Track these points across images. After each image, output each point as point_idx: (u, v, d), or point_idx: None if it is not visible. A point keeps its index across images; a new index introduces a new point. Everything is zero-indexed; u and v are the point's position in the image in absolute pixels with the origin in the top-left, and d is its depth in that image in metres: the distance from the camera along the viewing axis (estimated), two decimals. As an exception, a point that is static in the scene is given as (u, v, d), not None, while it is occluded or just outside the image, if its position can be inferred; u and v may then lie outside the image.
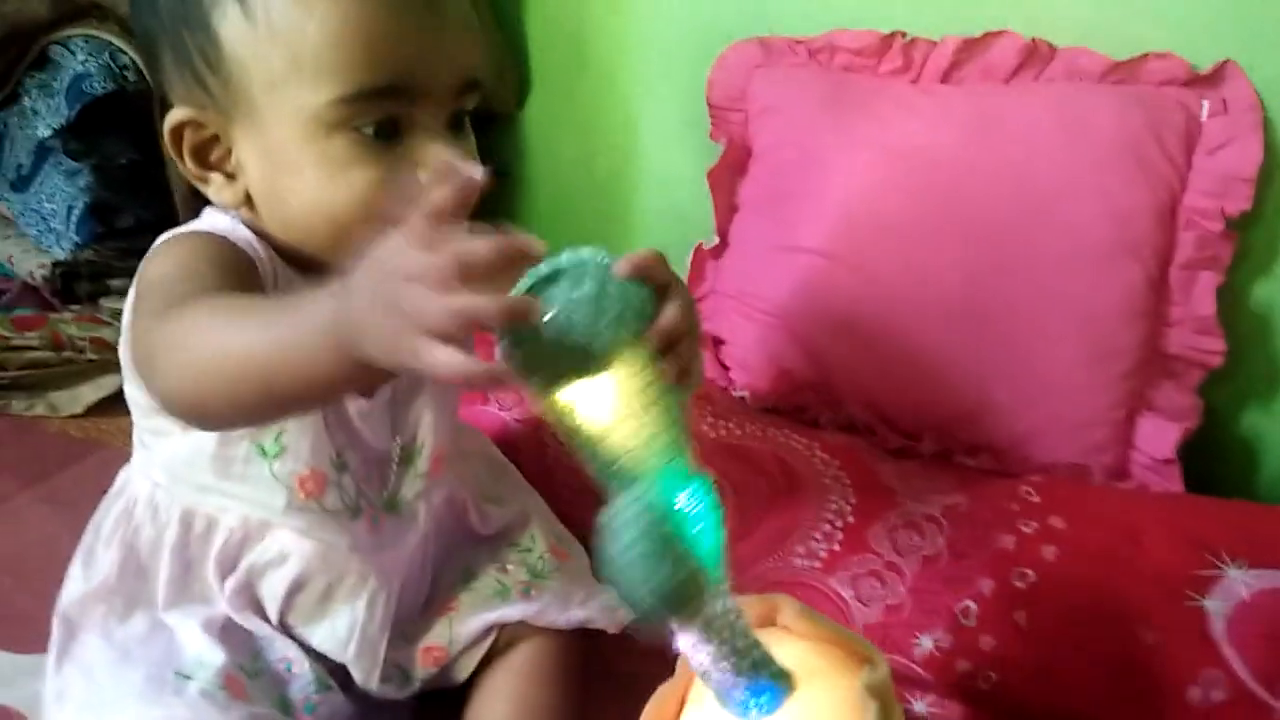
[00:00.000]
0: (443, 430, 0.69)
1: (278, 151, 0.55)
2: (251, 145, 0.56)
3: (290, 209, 0.57)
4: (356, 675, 0.66)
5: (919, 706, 0.74)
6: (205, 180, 0.58)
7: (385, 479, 0.66)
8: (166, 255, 0.57)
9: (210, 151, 0.58)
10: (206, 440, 0.60)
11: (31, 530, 0.87)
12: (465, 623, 0.69)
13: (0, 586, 0.80)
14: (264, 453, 0.61)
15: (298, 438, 0.61)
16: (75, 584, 0.65)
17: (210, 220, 0.60)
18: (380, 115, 0.54)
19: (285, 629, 0.66)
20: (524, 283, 0.44)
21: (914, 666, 0.74)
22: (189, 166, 0.58)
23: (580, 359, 0.43)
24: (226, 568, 0.64)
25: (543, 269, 0.44)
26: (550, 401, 0.44)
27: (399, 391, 0.66)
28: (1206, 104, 0.92)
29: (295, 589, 0.65)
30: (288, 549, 0.64)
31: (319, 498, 0.63)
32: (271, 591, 0.65)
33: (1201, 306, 0.92)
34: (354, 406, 0.63)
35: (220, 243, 0.57)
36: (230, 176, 0.58)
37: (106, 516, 0.66)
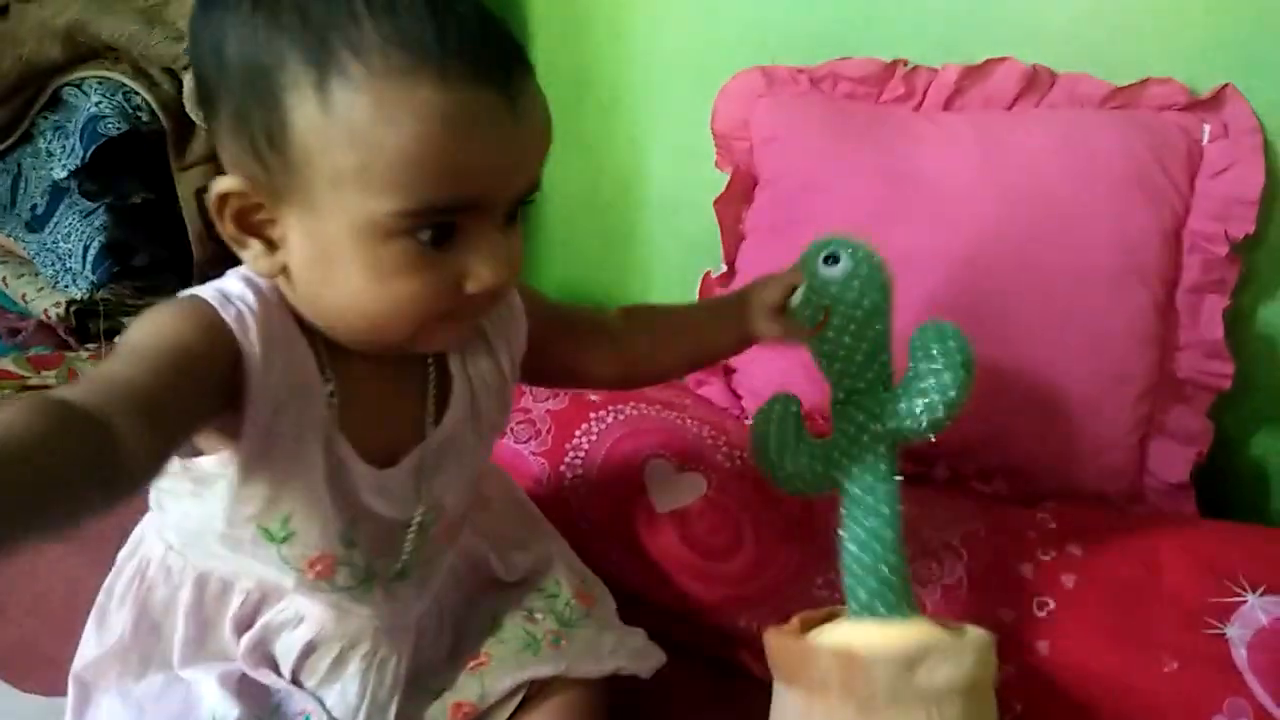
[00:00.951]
0: (463, 493, 0.67)
1: (327, 242, 0.53)
2: (300, 227, 0.53)
3: (328, 298, 0.55)
4: None
5: (943, 736, 0.75)
6: (243, 245, 0.55)
7: (399, 548, 0.64)
8: (160, 314, 0.54)
9: (253, 216, 0.54)
10: (214, 518, 0.58)
11: (53, 572, 0.87)
12: (498, 680, 0.69)
13: (25, 630, 0.80)
14: (271, 537, 0.59)
15: (306, 523, 0.59)
16: (89, 647, 0.64)
17: (220, 287, 0.56)
18: (440, 224, 0.52)
19: (297, 684, 0.66)
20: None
21: (937, 697, 0.74)
22: (229, 229, 0.54)
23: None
24: (243, 626, 0.64)
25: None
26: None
27: (428, 457, 0.63)
28: (1208, 128, 0.94)
29: (308, 651, 0.65)
30: (303, 611, 0.64)
31: (329, 578, 0.61)
32: (286, 650, 0.65)
33: (1209, 330, 0.93)
34: (373, 478, 0.60)
35: (201, 327, 0.53)
36: (270, 246, 0.55)
37: (119, 577, 0.66)
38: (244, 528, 0.58)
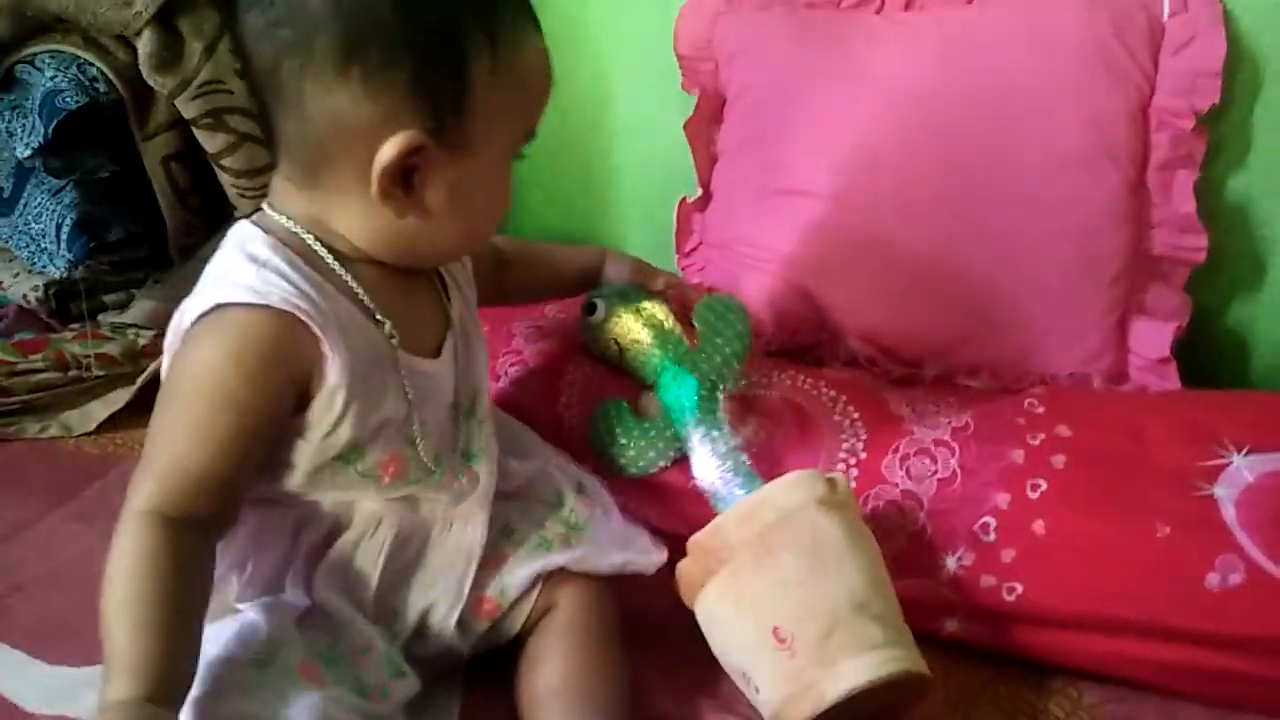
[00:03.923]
0: (485, 377, 0.76)
1: (473, 175, 0.64)
2: (446, 169, 0.62)
3: (451, 228, 0.65)
4: (439, 611, 0.69)
5: (950, 626, 0.77)
6: (389, 195, 0.61)
7: (457, 434, 0.71)
8: (211, 347, 0.59)
9: (410, 163, 0.61)
10: (294, 471, 0.64)
11: (67, 548, 0.88)
12: (514, 574, 0.72)
13: (48, 606, 0.81)
14: (347, 461, 0.64)
15: (372, 436, 0.64)
16: None
17: (256, 276, 0.60)
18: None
19: (379, 602, 0.68)
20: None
21: (940, 589, 0.76)
22: (381, 183, 0.60)
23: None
24: (316, 555, 0.67)
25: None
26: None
27: (460, 347, 0.72)
28: (1167, 3, 0.94)
29: (394, 554, 0.68)
30: (377, 517, 0.68)
31: (402, 476, 0.67)
32: (370, 562, 0.68)
33: (1181, 205, 0.94)
34: (432, 368, 0.68)
35: (277, 329, 0.59)
36: (408, 194, 0.62)
37: None
38: (323, 469, 0.64)
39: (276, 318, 0.59)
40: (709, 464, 0.79)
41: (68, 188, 1.12)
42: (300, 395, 0.61)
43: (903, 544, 0.78)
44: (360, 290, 0.64)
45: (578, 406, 0.90)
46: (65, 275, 1.13)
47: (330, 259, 0.63)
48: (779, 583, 0.68)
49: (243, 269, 0.61)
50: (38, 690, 0.70)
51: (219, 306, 0.59)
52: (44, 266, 1.14)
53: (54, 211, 1.12)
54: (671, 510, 0.84)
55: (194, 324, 0.60)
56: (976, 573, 0.76)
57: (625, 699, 0.68)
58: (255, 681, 0.59)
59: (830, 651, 0.65)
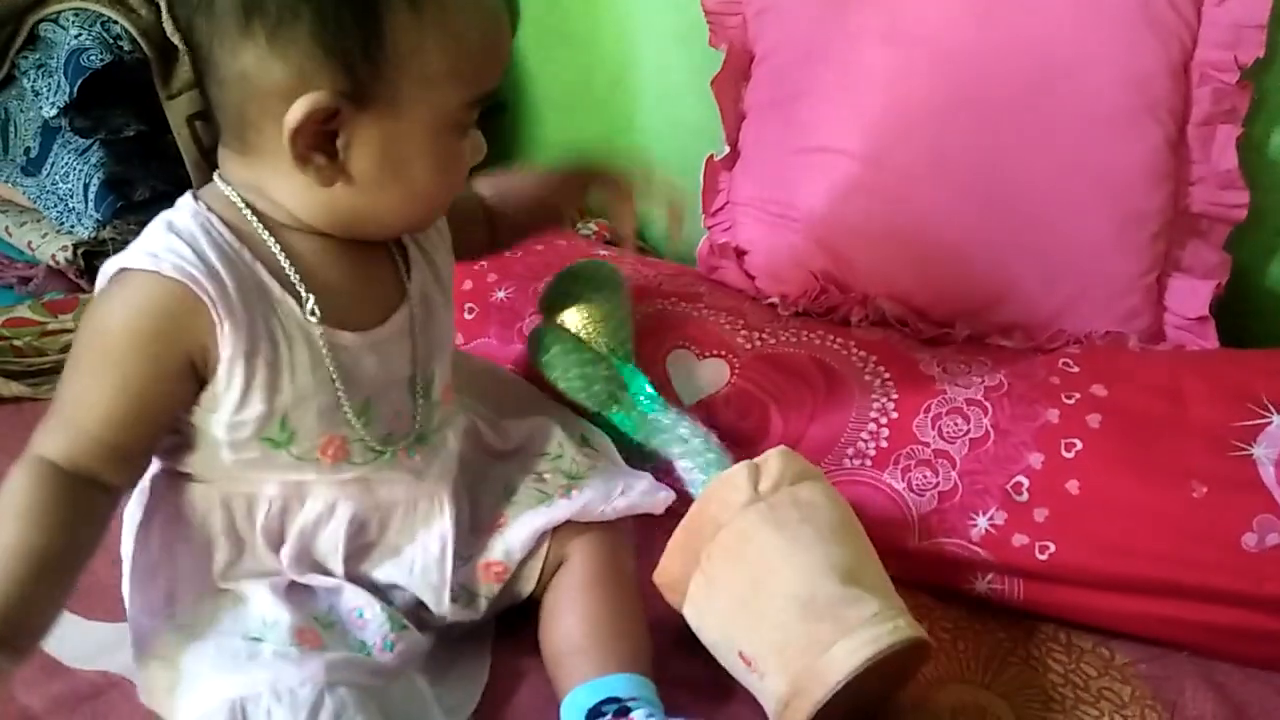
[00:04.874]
0: (448, 358, 0.72)
1: (402, 142, 0.59)
2: (376, 132, 0.59)
3: (384, 199, 0.61)
4: (427, 599, 0.68)
5: (981, 585, 0.77)
6: (308, 161, 0.58)
7: (412, 414, 0.68)
8: (106, 307, 0.59)
9: (326, 128, 0.58)
10: (220, 447, 0.62)
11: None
12: (516, 532, 0.71)
13: (82, 562, 0.82)
14: (276, 444, 0.63)
15: (303, 416, 0.62)
16: (136, 592, 0.65)
17: (161, 243, 0.59)
18: (476, 116, 0.63)
19: (353, 578, 0.68)
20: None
21: (973, 547, 0.76)
22: (298, 147, 0.57)
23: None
24: (275, 539, 0.66)
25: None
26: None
27: (416, 319, 0.68)
28: (1210, -47, 0.91)
29: (353, 536, 0.67)
30: (332, 500, 0.66)
31: (346, 458, 0.65)
32: (330, 547, 0.66)
33: (1223, 161, 0.92)
34: (365, 340, 0.64)
35: (165, 296, 0.58)
36: (331, 160, 0.59)
37: (144, 528, 0.66)
38: (248, 447, 0.62)
39: (166, 285, 0.58)
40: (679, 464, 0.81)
41: (94, 147, 1.11)
42: (200, 365, 0.59)
43: (934, 504, 0.78)
44: (286, 262, 0.61)
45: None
46: (93, 235, 1.12)
47: (260, 228, 0.61)
48: (728, 605, 0.66)
49: (156, 235, 0.60)
50: (76, 646, 0.71)
51: (121, 270, 0.59)
52: (72, 227, 1.14)
53: (81, 171, 1.12)
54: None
55: (105, 286, 0.60)
56: (1009, 532, 0.75)
57: (647, 650, 0.68)
58: (252, 655, 0.60)
59: (792, 664, 0.62)
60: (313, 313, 0.61)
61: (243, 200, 0.61)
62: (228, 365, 0.59)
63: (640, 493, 0.74)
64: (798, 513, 0.67)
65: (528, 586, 0.72)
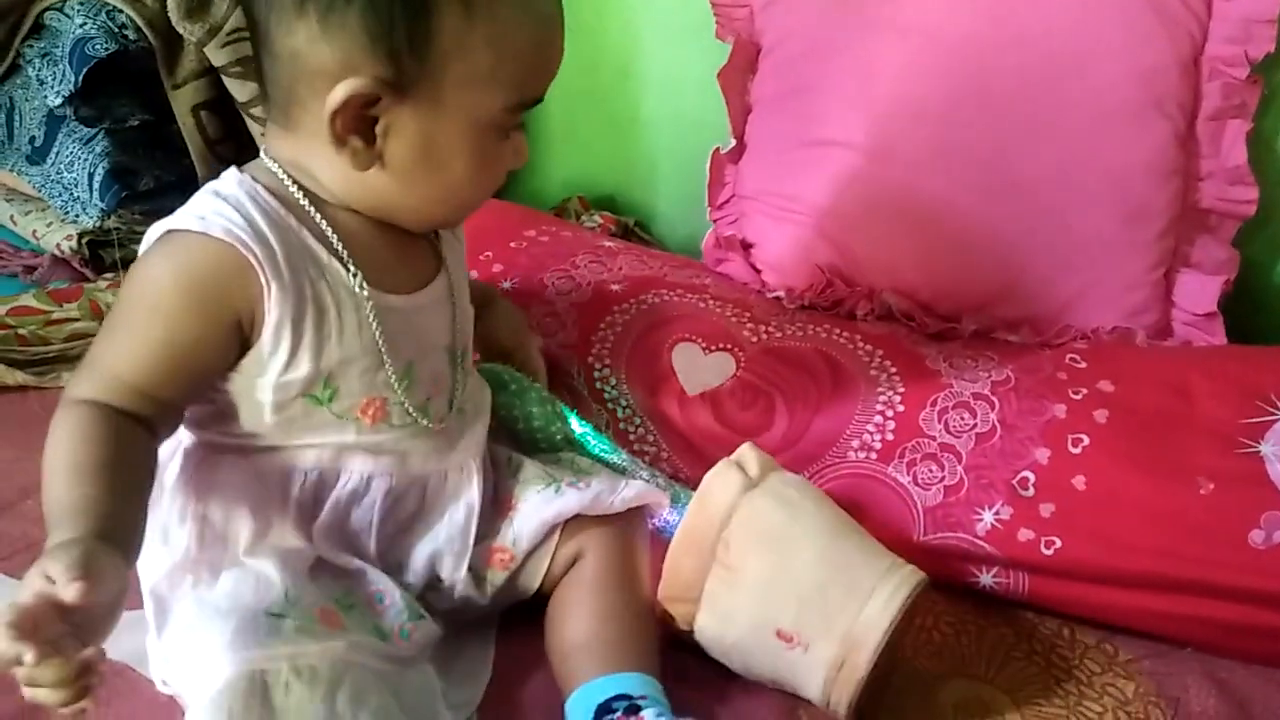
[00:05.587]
0: (472, 336, 0.74)
1: (441, 138, 0.61)
2: (415, 124, 0.60)
3: (421, 190, 0.63)
4: (445, 566, 0.69)
5: (985, 580, 0.77)
6: (343, 143, 0.60)
7: (450, 381, 0.69)
8: (155, 265, 0.61)
9: (365, 113, 0.59)
10: (263, 409, 0.63)
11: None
12: (525, 520, 0.71)
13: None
14: (319, 400, 0.63)
15: (346, 374, 0.63)
16: (158, 560, 0.65)
17: (209, 207, 0.61)
18: (518, 120, 0.64)
19: (382, 557, 0.68)
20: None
21: (978, 542, 0.76)
22: (336, 128, 0.59)
23: None
24: (309, 512, 0.66)
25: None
26: None
27: (454, 280, 0.70)
28: (1221, -54, 0.91)
29: (387, 512, 0.67)
30: (368, 474, 0.66)
31: (385, 419, 0.66)
32: (365, 523, 0.67)
33: (1232, 157, 0.92)
34: (408, 303, 0.66)
35: (215, 257, 0.59)
36: (368, 145, 0.60)
37: (172, 494, 0.66)
38: (291, 405, 0.63)
39: (215, 245, 0.59)
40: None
41: (99, 137, 1.12)
42: (246, 326, 0.61)
43: (939, 498, 0.78)
44: (332, 234, 0.63)
45: (609, 358, 0.90)
46: (98, 224, 1.13)
47: (304, 200, 0.63)
48: (758, 587, 0.66)
49: (203, 201, 0.62)
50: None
51: (170, 232, 0.60)
52: (77, 216, 1.14)
53: (86, 160, 1.12)
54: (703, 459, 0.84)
55: (150, 246, 0.61)
56: (1014, 527, 0.75)
57: (656, 652, 0.68)
58: (273, 629, 0.59)
59: (837, 621, 0.64)
60: (357, 277, 0.63)
61: (287, 175, 0.63)
62: (274, 329, 0.60)
63: (645, 488, 0.74)
64: (794, 490, 0.71)
65: (533, 583, 0.71)
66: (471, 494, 0.70)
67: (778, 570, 0.66)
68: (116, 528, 0.54)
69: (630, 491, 0.73)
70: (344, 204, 0.64)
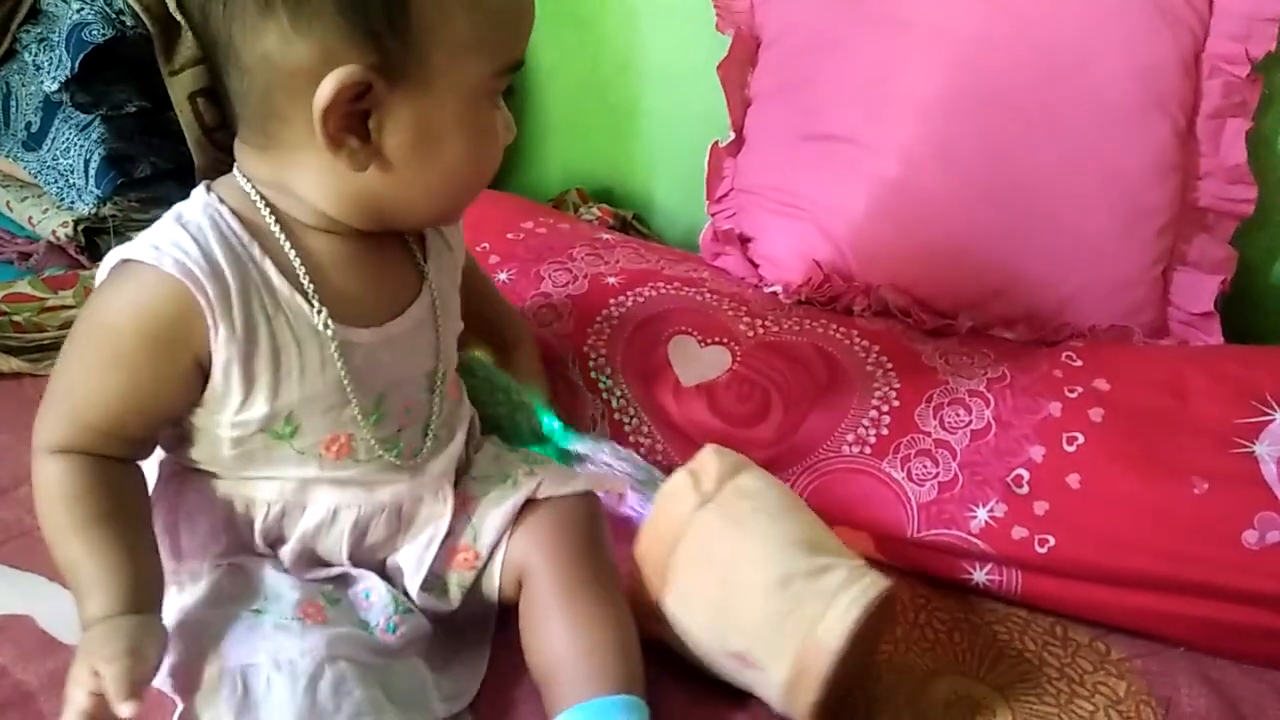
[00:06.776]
0: (455, 348, 0.71)
1: (434, 118, 0.58)
2: (404, 110, 0.57)
3: (420, 181, 0.60)
4: (408, 583, 0.67)
5: (978, 576, 0.77)
6: (339, 144, 0.56)
7: (425, 409, 0.67)
8: (112, 302, 0.58)
9: (357, 107, 0.56)
10: (222, 443, 0.62)
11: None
12: (484, 515, 0.69)
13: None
14: (280, 435, 0.62)
15: (308, 412, 0.62)
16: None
17: (167, 237, 0.58)
18: (505, 85, 0.61)
19: (357, 565, 0.67)
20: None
21: (971, 539, 0.76)
22: (329, 128, 0.55)
23: None
24: (274, 541, 0.65)
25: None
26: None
27: (439, 307, 0.67)
28: (1225, -55, 0.90)
29: (357, 539, 0.66)
30: (333, 506, 0.65)
31: (350, 455, 0.64)
32: (335, 548, 0.66)
33: (1231, 155, 0.92)
34: (379, 334, 0.63)
35: (166, 294, 0.57)
36: (364, 142, 0.57)
37: (155, 508, 0.65)
38: (252, 440, 0.62)
39: (168, 282, 0.56)
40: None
41: (95, 123, 1.11)
42: (205, 363, 0.59)
43: (933, 494, 0.78)
44: (298, 261, 0.60)
45: (605, 349, 0.89)
46: (94, 211, 1.12)
47: (274, 226, 0.60)
48: (708, 611, 0.65)
49: (164, 228, 0.59)
50: (73, 623, 0.70)
51: (124, 261, 0.58)
52: (72, 203, 1.13)
53: (82, 147, 1.11)
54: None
55: (106, 278, 0.59)
56: (1008, 524, 0.75)
57: (638, 664, 0.64)
58: (253, 627, 0.59)
59: (787, 646, 0.62)
60: (322, 313, 0.60)
61: (260, 197, 0.60)
62: (223, 369, 0.58)
63: (597, 476, 0.73)
64: (747, 503, 0.67)
65: (494, 582, 0.69)
66: (444, 516, 0.68)
67: (726, 594, 0.64)
68: (142, 588, 0.57)
69: (582, 482, 0.72)
70: (327, 223, 0.61)
